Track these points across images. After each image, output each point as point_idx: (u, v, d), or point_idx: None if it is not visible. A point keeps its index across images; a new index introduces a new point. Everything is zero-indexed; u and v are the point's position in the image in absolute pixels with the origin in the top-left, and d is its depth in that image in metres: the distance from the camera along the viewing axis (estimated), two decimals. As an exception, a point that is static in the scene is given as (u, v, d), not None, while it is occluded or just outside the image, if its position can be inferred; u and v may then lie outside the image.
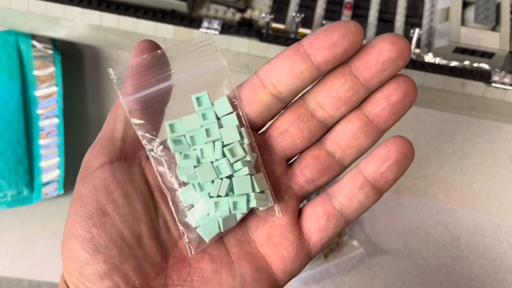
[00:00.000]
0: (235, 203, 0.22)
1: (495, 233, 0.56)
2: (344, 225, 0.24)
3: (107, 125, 0.25)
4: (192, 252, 0.23)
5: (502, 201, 0.57)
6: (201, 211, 0.23)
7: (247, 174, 0.22)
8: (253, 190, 0.22)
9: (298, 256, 0.24)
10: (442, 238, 0.56)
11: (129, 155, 0.24)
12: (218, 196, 0.22)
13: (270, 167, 0.24)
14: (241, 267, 0.23)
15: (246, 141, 0.23)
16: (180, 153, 0.24)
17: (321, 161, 0.24)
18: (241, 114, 0.24)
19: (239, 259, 0.23)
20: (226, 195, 0.23)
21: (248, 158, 0.23)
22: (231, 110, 0.24)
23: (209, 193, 0.23)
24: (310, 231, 0.24)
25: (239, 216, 0.23)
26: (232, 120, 0.23)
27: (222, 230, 0.23)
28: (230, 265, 0.23)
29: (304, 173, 0.25)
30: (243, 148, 0.23)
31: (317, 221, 0.24)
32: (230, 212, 0.22)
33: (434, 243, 0.55)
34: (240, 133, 0.23)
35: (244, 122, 0.24)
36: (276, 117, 0.25)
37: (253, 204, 0.23)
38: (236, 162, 0.23)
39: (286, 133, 0.24)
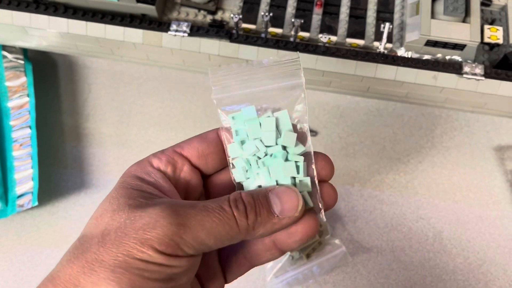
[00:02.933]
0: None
1: (477, 225, 0.56)
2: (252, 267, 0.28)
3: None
4: None
5: (483, 193, 0.57)
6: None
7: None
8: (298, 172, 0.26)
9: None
10: (424, 233, 0.55)
11: None
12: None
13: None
14: None
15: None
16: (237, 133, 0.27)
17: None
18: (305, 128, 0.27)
19: None
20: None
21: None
22: (289, 122, 0.27)
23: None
24: (225, 270, 0.28)
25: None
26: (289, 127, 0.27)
27: None
28: None
29: None
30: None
31: (232, 266, 0.28)
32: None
33: (416, 238, 0.55)
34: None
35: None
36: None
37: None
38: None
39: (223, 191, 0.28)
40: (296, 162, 0.26)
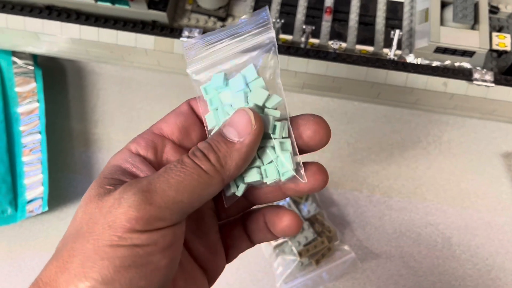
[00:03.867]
0: (265, 170, 0.24)
1: (485, 231, 0.56)
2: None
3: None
4: (226, 205, 0.25)
5: (491, 199, 0.57)
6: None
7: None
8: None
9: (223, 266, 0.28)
10: (433, 239, 0.55)
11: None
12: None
13: None
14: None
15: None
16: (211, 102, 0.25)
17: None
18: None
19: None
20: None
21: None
22: (257, 76, 0.25)
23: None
24: (227, 246, 0.28)
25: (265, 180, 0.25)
26: (260, 83, 0.24)
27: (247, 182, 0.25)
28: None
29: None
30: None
31: (235, 241, 0.28)
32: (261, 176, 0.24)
33: (425, 244, 0.55)
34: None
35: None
36: None
37: (284, 173, 0.24)
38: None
39: None
40: (272, 117, 0.24)
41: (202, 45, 0.25)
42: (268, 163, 0.24)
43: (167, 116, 0.25)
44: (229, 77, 0.25)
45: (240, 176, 0.24)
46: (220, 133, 0.23)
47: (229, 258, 0.28)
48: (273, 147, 0.24)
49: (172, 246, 0.21)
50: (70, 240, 0.21)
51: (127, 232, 0.20)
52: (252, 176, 0.24)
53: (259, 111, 0.24)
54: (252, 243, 0.28)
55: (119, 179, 0.23)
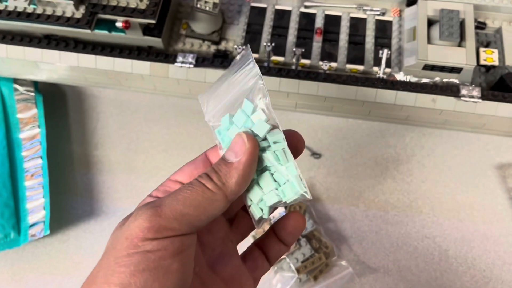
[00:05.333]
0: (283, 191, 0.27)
1: (482, 243, 0.56)
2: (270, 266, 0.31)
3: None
4: (257, 228, 0.29)
5: (486, 210, 0.58)
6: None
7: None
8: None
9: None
10: (430, 252, 0.56)
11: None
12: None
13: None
14: None
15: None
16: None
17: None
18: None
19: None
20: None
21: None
22: (254, 108, 0.27)
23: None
24: (250, 268, 0.31)
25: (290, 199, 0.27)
26: (260, 115, 0.27)
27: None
28: None
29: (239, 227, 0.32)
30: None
31: (256, 262, 0.31)
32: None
33: (422, 258, 0.56)
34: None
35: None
36: None
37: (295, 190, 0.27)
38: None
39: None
40: (275, 151, 0.27)
41: (211, 95, 0.29)
42: (283, 184, 0.27)
43: (183, 167, 0.29)
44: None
45: (262, 201, 0.28)
46: (222, 158, 0.27)
47: (256, 280, 0.31)
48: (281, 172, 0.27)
49: (182, 253, 0.24)
50: (100, 260, 0.25)
51: (141, 241, 0.23)
52: (272, 199, 0.27)
53: (262, 140, 0.27)
54: (270, 263, 0.31)
55: None
